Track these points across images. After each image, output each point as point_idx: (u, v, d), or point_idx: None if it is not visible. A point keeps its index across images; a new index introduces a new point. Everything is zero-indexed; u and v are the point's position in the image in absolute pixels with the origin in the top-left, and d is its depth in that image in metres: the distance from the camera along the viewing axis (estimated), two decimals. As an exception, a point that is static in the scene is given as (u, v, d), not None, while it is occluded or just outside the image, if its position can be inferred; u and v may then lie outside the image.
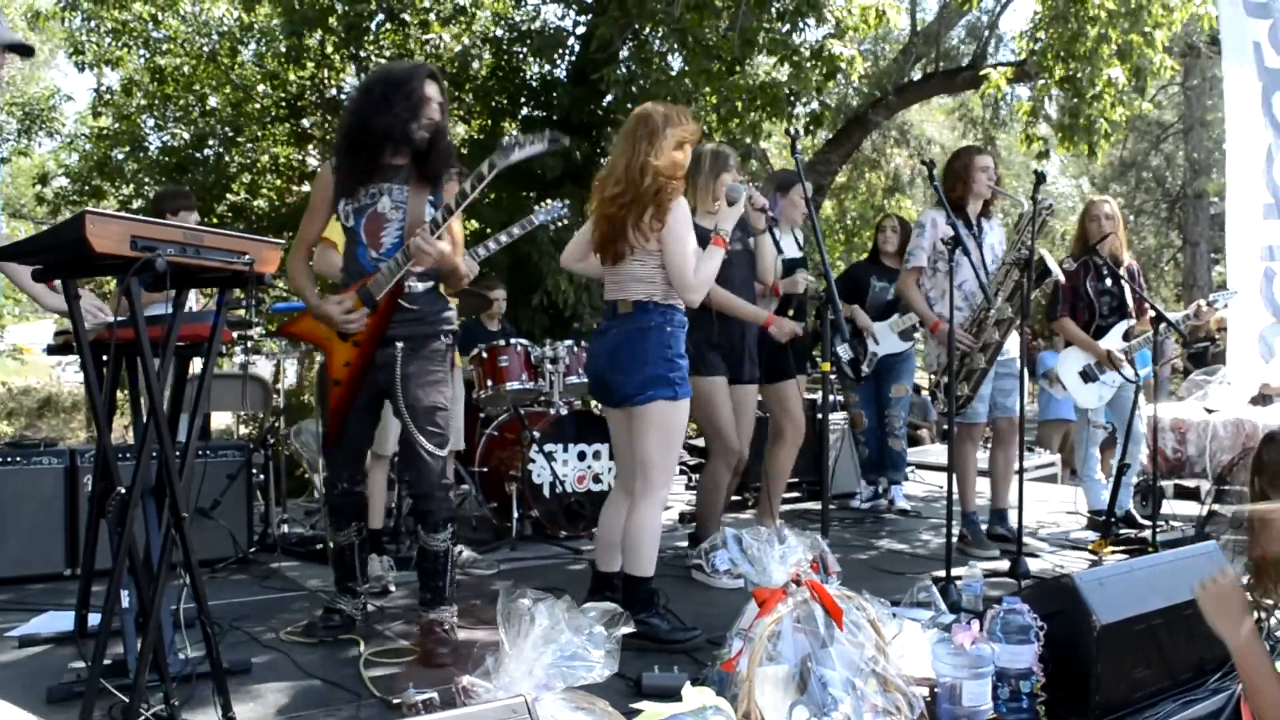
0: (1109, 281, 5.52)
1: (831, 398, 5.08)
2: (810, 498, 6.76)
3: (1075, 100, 8.76)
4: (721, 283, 4.07)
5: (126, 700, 2.44)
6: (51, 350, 3.68)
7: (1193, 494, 6.65)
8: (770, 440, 5.23)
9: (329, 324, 3.47)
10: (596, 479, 5.69)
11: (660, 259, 3.51)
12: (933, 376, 5.42)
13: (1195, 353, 8.63)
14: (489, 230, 8.05)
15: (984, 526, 5.31)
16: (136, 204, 10.71)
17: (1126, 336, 5.48)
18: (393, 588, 4.40)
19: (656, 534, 3.59)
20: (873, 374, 6.41)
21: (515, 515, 5.45)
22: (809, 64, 8.49)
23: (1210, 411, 6.43)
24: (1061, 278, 5.09)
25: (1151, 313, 5.32)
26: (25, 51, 3.13)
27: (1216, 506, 5.34)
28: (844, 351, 6.27)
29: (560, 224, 4.98)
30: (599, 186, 3.61)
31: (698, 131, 3.65)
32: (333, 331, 3.48)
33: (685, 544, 5.21)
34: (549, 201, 4.88)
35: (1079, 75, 8.60)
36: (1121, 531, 5.37)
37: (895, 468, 6.71)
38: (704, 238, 3.61)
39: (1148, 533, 5.19)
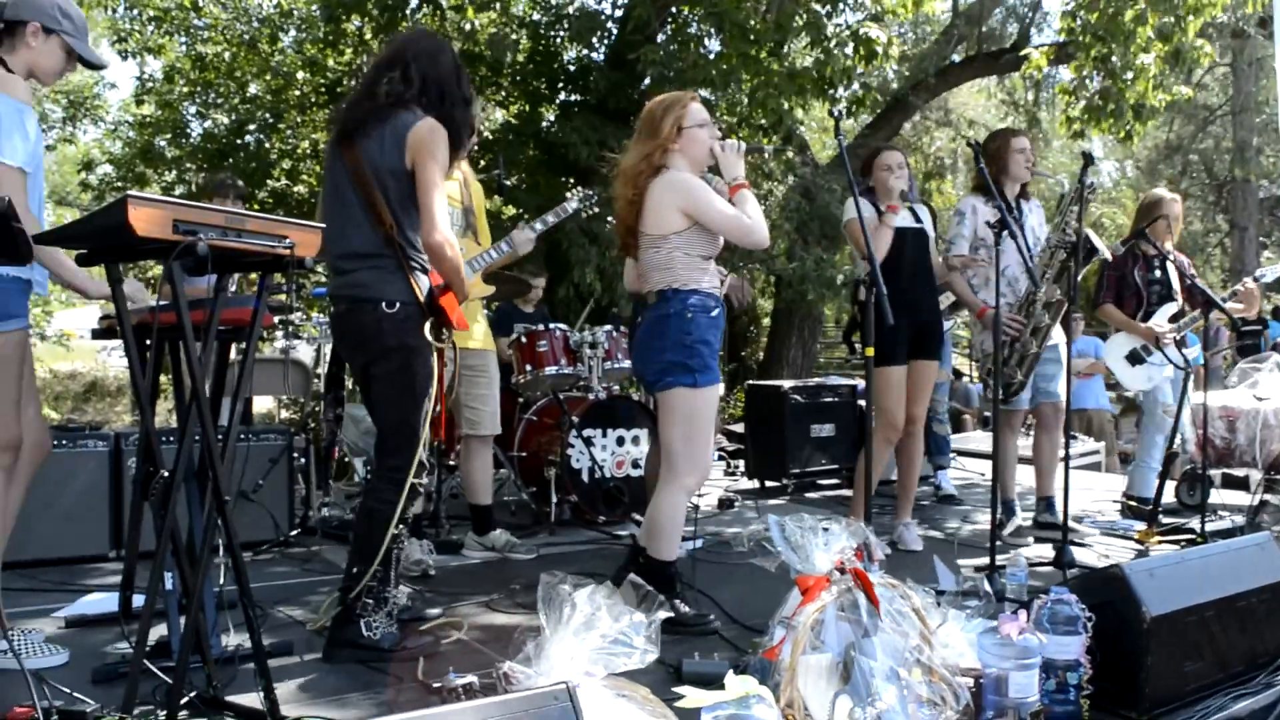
0: (1158, 272, 5.42)
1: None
2: (851, 484, 6.70)
3: (1109, 82, 8.63)
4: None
5: (170, 681, 2.45)
6: (96, 335, 3.71)
7: (1241, 483, 6.53)
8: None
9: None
10: (635, 464, 5.67)
11: (673, 243, 3.51)
12: (977, 363, 5.35)
13: (1245, 343, 8.47)
14: (525, 215, 8.06)
15: (1020, 515, 5.27)
16: (179, 190, 10.83)
17: (1174, 319, 5.37)
18: (432, 571, 4.41)
19: (676, 521, 3.56)
20: None
21: (554, 500, 5.46)
22: (846, 48, 8.39)
23: (1260, 399, 6.30)
24: (1109, 255, 4.99)
25: (1203, 300, 5.22)
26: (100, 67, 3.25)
27: (1268, 496, 5.24)
28: None
29: (591, 212, 4.92)
30: (617, 188, 3.67)
31: (690, 110, 3.60)
32: None
33: (725, 530, 5.18)
34: (580, 189, 4.84)
35: (1114, 57, 8.47)
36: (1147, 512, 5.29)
37: (940, 452, 6.65)
38: None
39: (1195, 523, 5.10)
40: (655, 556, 3.55)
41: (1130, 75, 8.43)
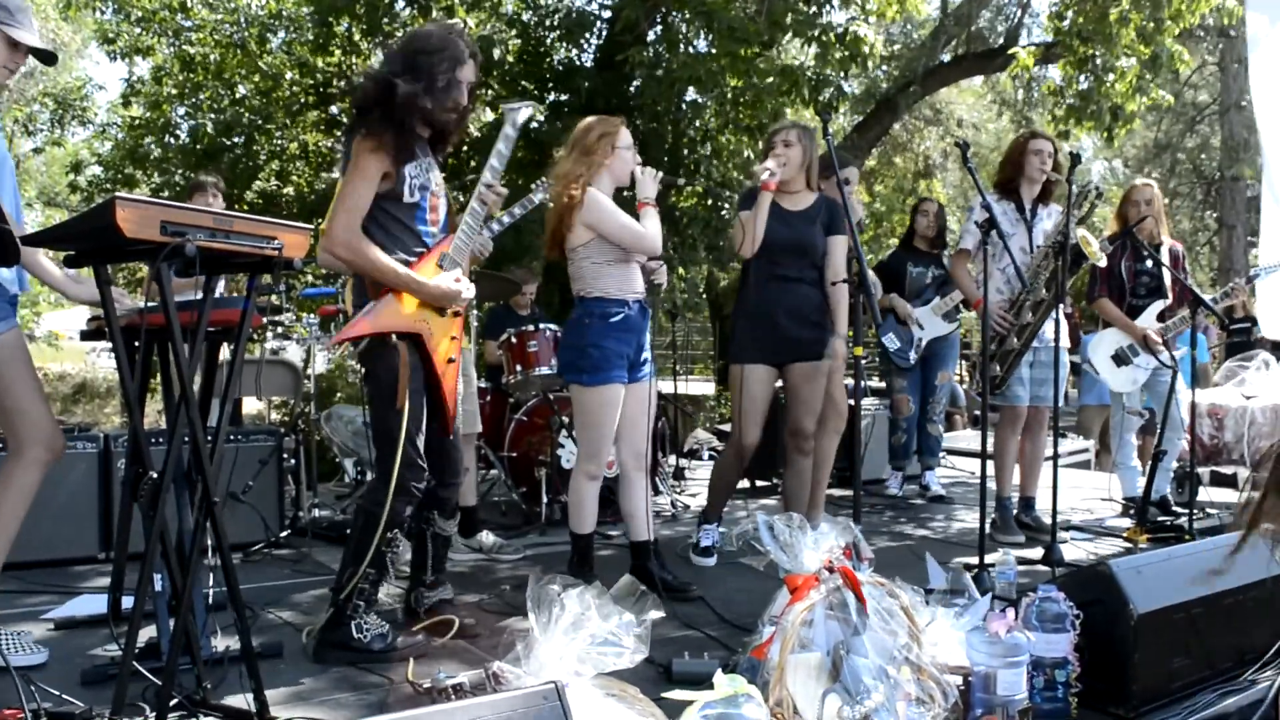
0: (1148, 262, 5.43)
1: (866, 382, 4.98)
2: (840, 484, 6.70)
3: (1092, 83, 8.68)
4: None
5: (159, 683, 2.45)
6: (85, 336, 3.71)
7: (1229, 481, 6.56)
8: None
9: (445, 301, 3.30)
10: (625, 465, 5.66)
11: (580, 254, 3.91)
12: (965, 361, 5.37)
13: (1234, 340, 8.51)
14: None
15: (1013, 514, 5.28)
16: (167, 193, 10.78)
17: (1161, 317, 5.38)
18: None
19: (579, 501, 4.00)
20: (920, 360, 6.36)
21: (544, 500, 5.45)
22: (834, 46, 8.38)
23: (1249, 397, 6.34)
24: (1103, 261, 5.01)
25: (1190, 297, 5.23)
26: (48, 59, 3.15)
27: (1256, 494, 5.26)
28: (889, 342, 6.21)
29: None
30: (553, 191, 4.09)
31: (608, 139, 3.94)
32: (429, 311, 3.28)
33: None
34: (545, 180, 4.79)
35: (1098, 58, 8.51)
36: (1158, 518, 5.30)
37: (931, 453, 6.66)
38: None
39: (1183, 520, 5.12)
40: (572, 530, 4.06)
41: (1112, 77, 8.47)
